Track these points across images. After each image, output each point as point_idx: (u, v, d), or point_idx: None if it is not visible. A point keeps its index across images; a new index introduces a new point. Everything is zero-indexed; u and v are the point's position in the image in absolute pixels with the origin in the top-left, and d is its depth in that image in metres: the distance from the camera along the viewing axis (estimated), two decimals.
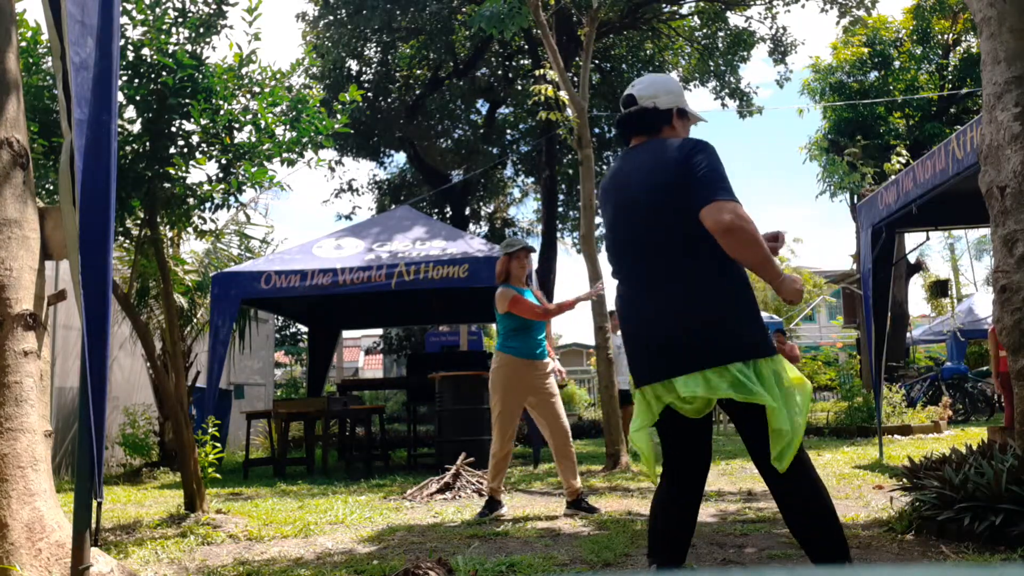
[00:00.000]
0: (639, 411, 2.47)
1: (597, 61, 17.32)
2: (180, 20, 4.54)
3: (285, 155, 4.94)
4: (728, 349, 2.30)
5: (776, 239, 2.58)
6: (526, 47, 17.03)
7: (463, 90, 17.69)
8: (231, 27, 4.68)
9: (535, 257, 17.38)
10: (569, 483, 4.74)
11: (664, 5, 16.73)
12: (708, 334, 2.32)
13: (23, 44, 4.18)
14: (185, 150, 4.74)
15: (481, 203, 21.22)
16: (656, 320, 2.40)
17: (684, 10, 17.32)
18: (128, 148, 4.62)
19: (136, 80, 4.49)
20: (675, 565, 2.42)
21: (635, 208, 2.48)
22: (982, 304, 17.56)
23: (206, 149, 4.81)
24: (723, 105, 17.59)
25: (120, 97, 4.35)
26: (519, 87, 17.70)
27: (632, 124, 2.60)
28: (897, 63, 16.10)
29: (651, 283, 2.43)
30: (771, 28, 16.74)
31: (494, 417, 4.83)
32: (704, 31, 17.58)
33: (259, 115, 4.80)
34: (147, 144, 4.64)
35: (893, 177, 6.47)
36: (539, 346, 4.87)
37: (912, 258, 16.18)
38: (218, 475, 5.28)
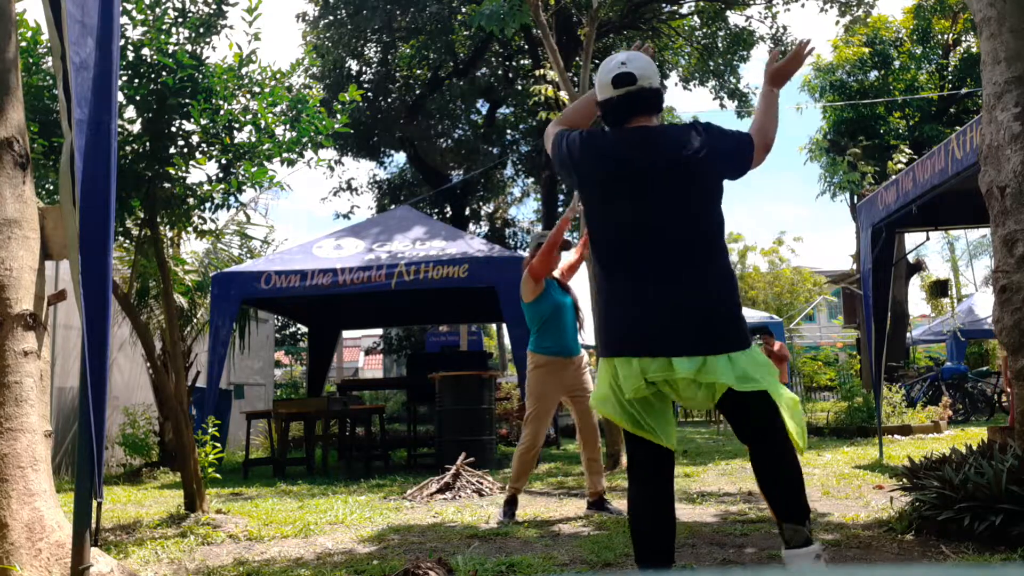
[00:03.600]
0: (614, 381, 2.42)
1: (597, 61, 17.30)
2: (180, 20, 4.54)
3: (285, 155, 4.94)
4: (744, 337, 2.43)
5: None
6: (526, 47, 17.04)
7: (463, 90, 17.69)
8: (231, 27, 4.68)
9: None
10: (593, 484, 4.72)
11: (664, 5, 16.74)
12: (734, 319, 2.43)
13: (23, 44, 4.18)
14: (185, 150, 4.74)
15: (481, 203, 21.22)
16: (700, 297, 2.41)
17: (684, 10, 17.32)
18: (128, 148, 4.62)
19: (136, 80, 4.49)
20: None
21: (681, 187, 2.43)
22: (982, 304, 17.56)
23: (206, 149, 4.81)
24: (722, 106, 17.59)
25: (120, 97, 4.35)
26: (519, 87, 17.70)
27: (641, 103, 2.50)
28: (897, 63, 16.11)
29: (693, 261, 2.42)
30: (771, 27, 16.75)
31: (528, 417, 4.64)
32: (704, 31, 17.59)
33: (259, 115, 4.80)
34: (147, 144, 4.64)
35: (893, 177, 6.47)
36: (573, 340, 4.71)
37: (912, 258, 16.18)
38: (218, 475, 5.28)
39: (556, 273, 4.86)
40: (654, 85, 2.53)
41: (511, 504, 4.64)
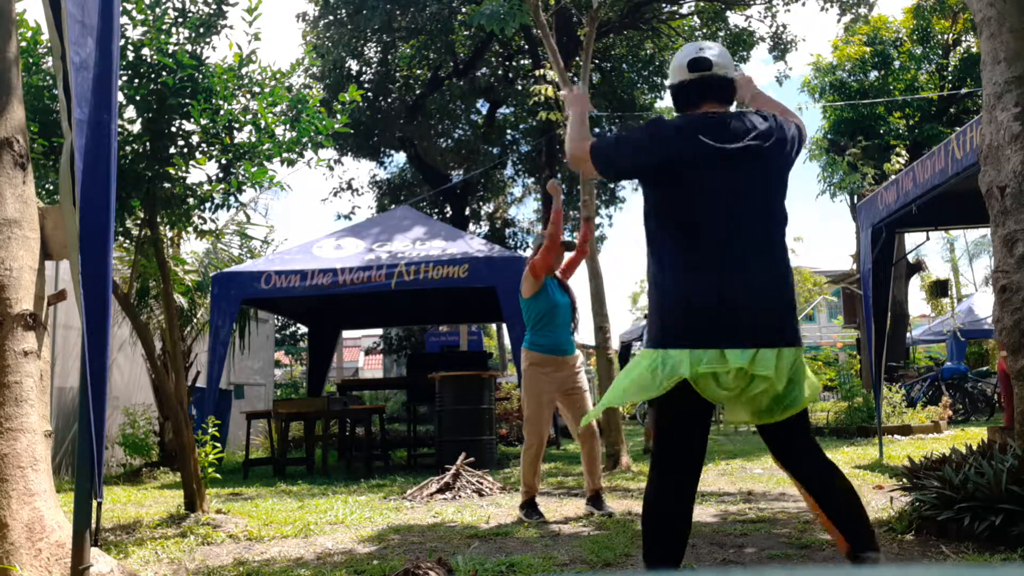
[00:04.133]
0: (642, 375, 2.35)
1: (597, 61, 17.32)
2: (180, 20, 4.54)
3: (285, 155, 4.94)
4: (798, 333, 2.43)
5: None
6: (526, 47, 17.03)
7: (463, 90, 17.69)
8: (231, 27, 4.68)
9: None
10: (592, 480, 4.74)
11: (664, 5, 16.74)
12: (792, 311, 2.43)
13: (23, 44, 4.18)
14: (185, 150, 4.74)
15: (481, 203, 21.23)
16: (765, 287, 2.37)
17: (684, 10, 17.32)
18: (128, 148, 4.62)
19: (136, 80, 4.49)
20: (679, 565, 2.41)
21: (755, 175, 2.42)
22: (982, 304, 17.56)
23: (206, 149, 4.81)
24: None
25: (120, 97, 4.35)
26: (519, 87, 17.70)
27: (714, 90, 2.52)
28: (897, 63, 16.11)
29: (761, 250, 2.39)
30: (771, 27, 16.75)
31: (527, 419, 4.66)
32: (704, 31, 17.59)
33: (259, 115, 4.80)
34: (147, 144, 4.64)
35: (893, 177, 6.47)
36: (568, 340, 4.72)
37: (912, 258, 16.17)
38: (218, 475, 5.28)
39: (556, 271, 4.88)
40: (729, 75, 2.55)
41: (531, 506, 4.66)
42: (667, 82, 2.65)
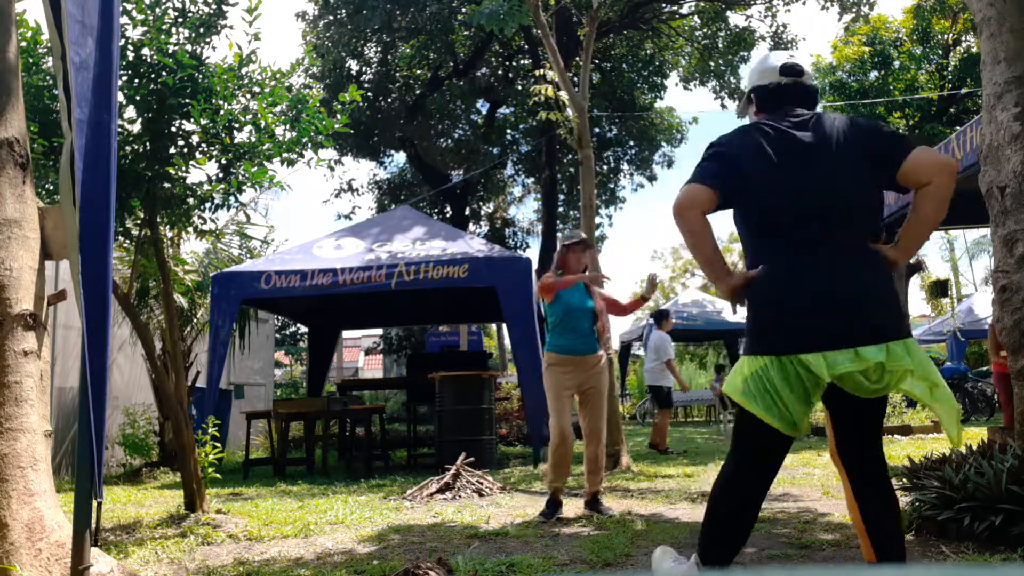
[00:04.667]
0: (780, 383, 2.31)
1: (597, 61, 17.32)
2: (180, 20, 4.54)
3: (285, 155, 4.94)
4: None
5: None
6: (526, 47, 17.04)
7: (463, 90, 17.69)
8: (231, 27, 4.68)
9: (535, 256, 17.32)
10: (591, 483, 4.75)
11: (664, 5, 16.75)
12: (897, 305, 2.41)
13: (23, 44, 4.18)
14: (185, 150, 4.74)
15: (481, 203, 21.23)
16: (863, 284, 2.36)
17: (684, 10, 17.32)
18: (128, 148, 4.62)
19: (136, 80, 4.49)
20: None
21: (840, 175, 2.41)
22: (982, 304, 17.56)
23: (206, 149, 4.81)
24: (723, 106, 17.61)
25: (120, 97, 4.35)
26: (519, 87, 17.71)
27: (801, 95, 2.57)
28: (897, 63, 16.10)
29: (855, 248, 2.40)
30: (771, 27, 16.75)
31: (550, 414, 4.70)
32: (704, 31, 17.60)
33: (259, 115, 4.80)
34: (147, 144, 4.64)
35: None
36: (586, 341, 4.75)
37: (912, 258, 16.16)
38: (218, 475, 5.28)
39: (606, 288, 5.02)
40: (815, 86, 2.62)
41: (552, 505, 4.66)
42: (750, 84, 2.66)
